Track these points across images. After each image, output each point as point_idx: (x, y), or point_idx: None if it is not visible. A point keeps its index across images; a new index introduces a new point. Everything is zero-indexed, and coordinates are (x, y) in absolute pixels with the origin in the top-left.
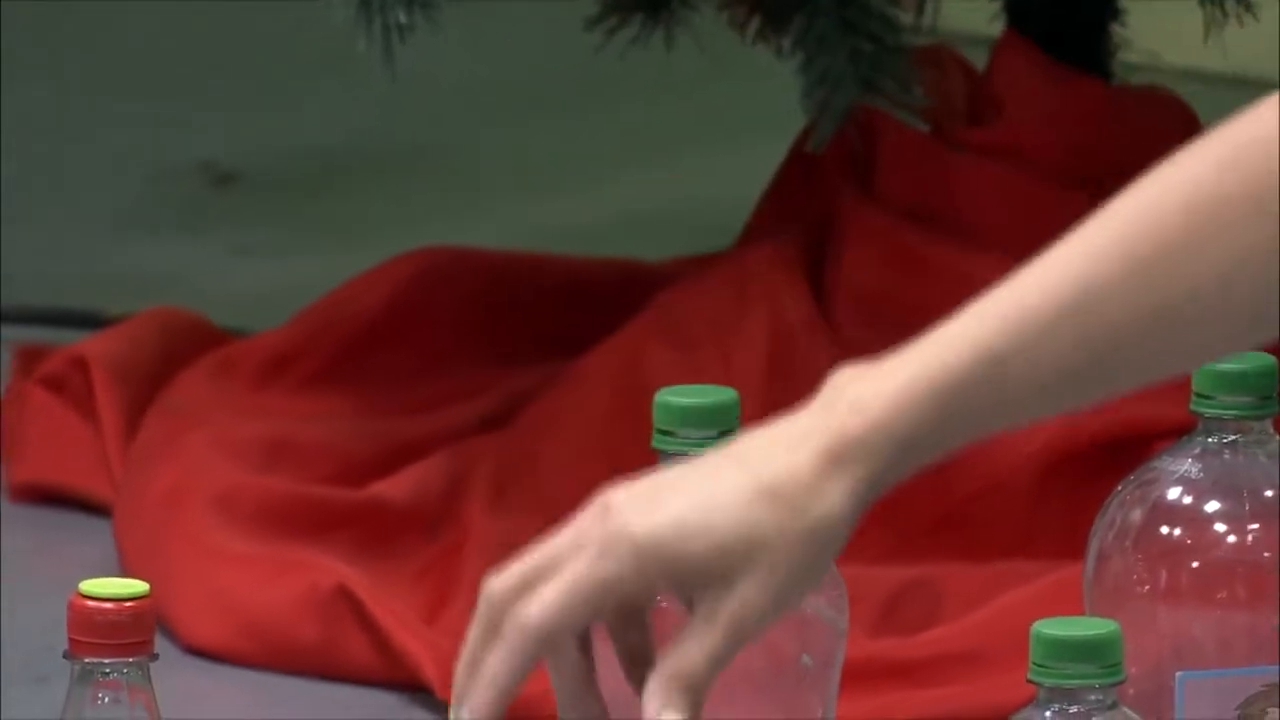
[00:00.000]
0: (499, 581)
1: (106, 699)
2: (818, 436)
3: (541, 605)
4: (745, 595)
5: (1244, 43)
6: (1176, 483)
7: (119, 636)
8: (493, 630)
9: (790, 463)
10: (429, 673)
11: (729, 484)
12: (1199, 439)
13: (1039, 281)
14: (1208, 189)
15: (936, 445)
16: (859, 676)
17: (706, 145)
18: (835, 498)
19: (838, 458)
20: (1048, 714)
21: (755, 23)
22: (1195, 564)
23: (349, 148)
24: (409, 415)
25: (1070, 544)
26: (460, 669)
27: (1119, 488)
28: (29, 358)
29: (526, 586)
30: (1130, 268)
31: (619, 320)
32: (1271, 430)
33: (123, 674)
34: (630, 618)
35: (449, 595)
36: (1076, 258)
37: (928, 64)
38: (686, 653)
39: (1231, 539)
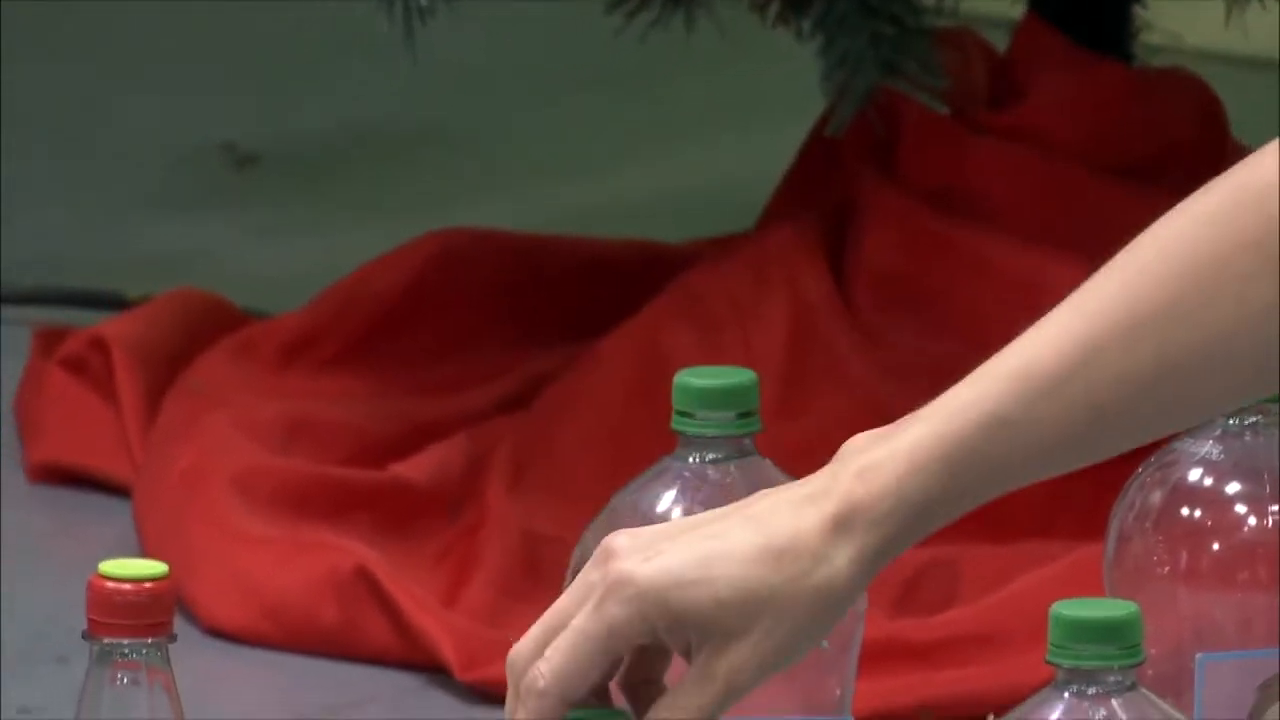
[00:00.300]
0: (518, 647)
1: (125, 679)
2: (826, 501)
3: (550, 667)
4: (742, 653)
5: (1266, 25)
6: (1197, 464)
7: (138, 617)
8: (518, 696)
9: (797, 525)
10: (447, 654)
11: (734, 540)
12: (1220, 420)
13: (1043, 343)
14: (1209, 244)
15: (945, 511)
16: (877, 657)
17: (726, 128)
18: (840, 564)
19: (845, 524)
20: (1066, 695)
21: (775, 5)
22: (1215, 546)
23: (370, 129)
24: (428, 397)
25: (1089, 525)
26: None
27: (1139, 469)
28: (49, 339)
29: (541, 647)
30: (1132, 326)
31: (639, 302)
32: None
33: (141, 655)
34: (644, 676)
35: (468, 577)
36: (1079, 318)
37: (949, 47)
38: (679, 704)
39: (1252, 521)
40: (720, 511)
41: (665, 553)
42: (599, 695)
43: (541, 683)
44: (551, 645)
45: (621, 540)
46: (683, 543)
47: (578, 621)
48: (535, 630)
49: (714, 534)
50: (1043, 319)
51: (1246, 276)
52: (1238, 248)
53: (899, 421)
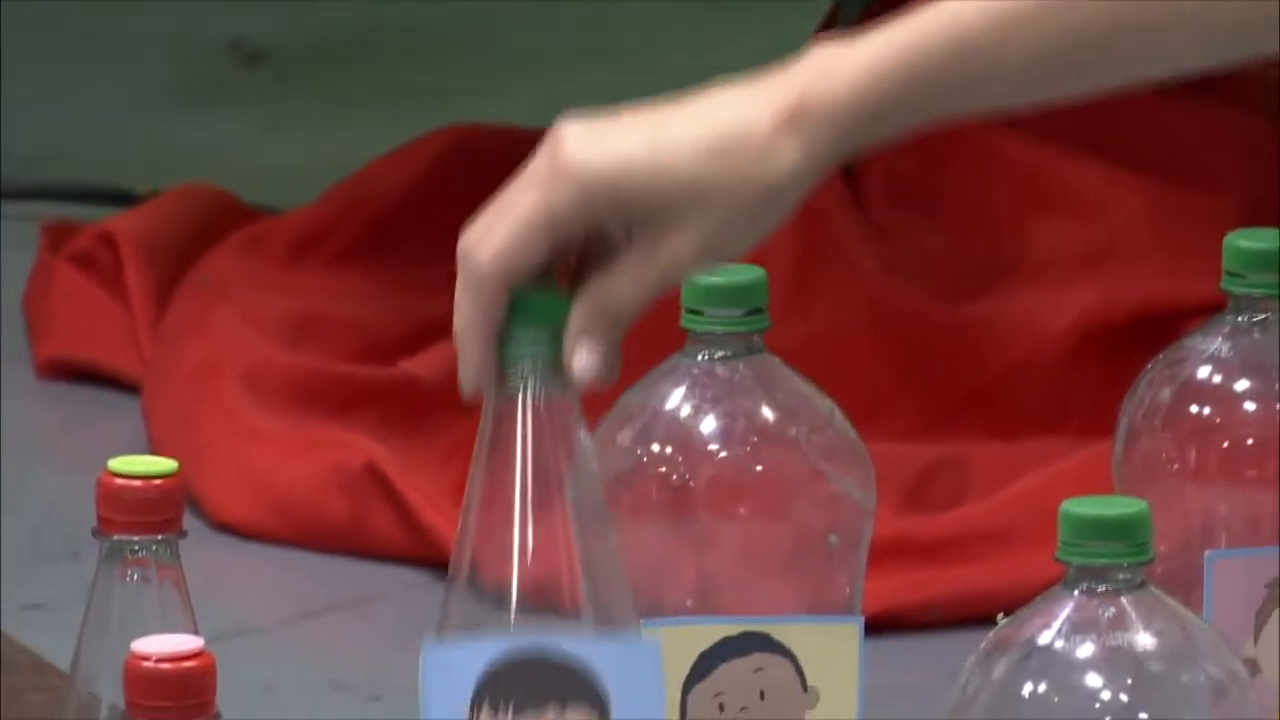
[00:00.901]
0: (467, 234)
1: (135, 576)
2: (781, 97)
3: (492, 246)
4: (682, 242)
5: None
6: (1206, 361)
7: (148, 514)
8: (465, 279)
9: (748, 119)
10: None
11: (682, 131)
12: (1228, 317)
13: None
14: None
15: (897, 121)
16: (886, 555)
17: (735, 21)
18: (788, 160)
19: (796, 121)
20: (1075, 593)
21: None
22: (1224, 443)
23: (379, 24)
24: (437, 293)
25: (1099, 422)
26: (454, 330)
27: (1148, 366)
28: (58, 234)
29: (487, 232)
30: None
31: None
32: None
33: (151, 551)
34: (588, 268)
35: None
36: None
37: None
38: (616, 285)
39: (1261, 417)
40: (670, 106)
41: (613, 141)
42: (543, 282)
43: (485, 263)
44: (495, 229)
45: (570, 128)
46: (631, 131)
47: (522, 206)
48: (484, 217)
49: (663, 124)
50: None
51: None
52: None
53: (865, 33)
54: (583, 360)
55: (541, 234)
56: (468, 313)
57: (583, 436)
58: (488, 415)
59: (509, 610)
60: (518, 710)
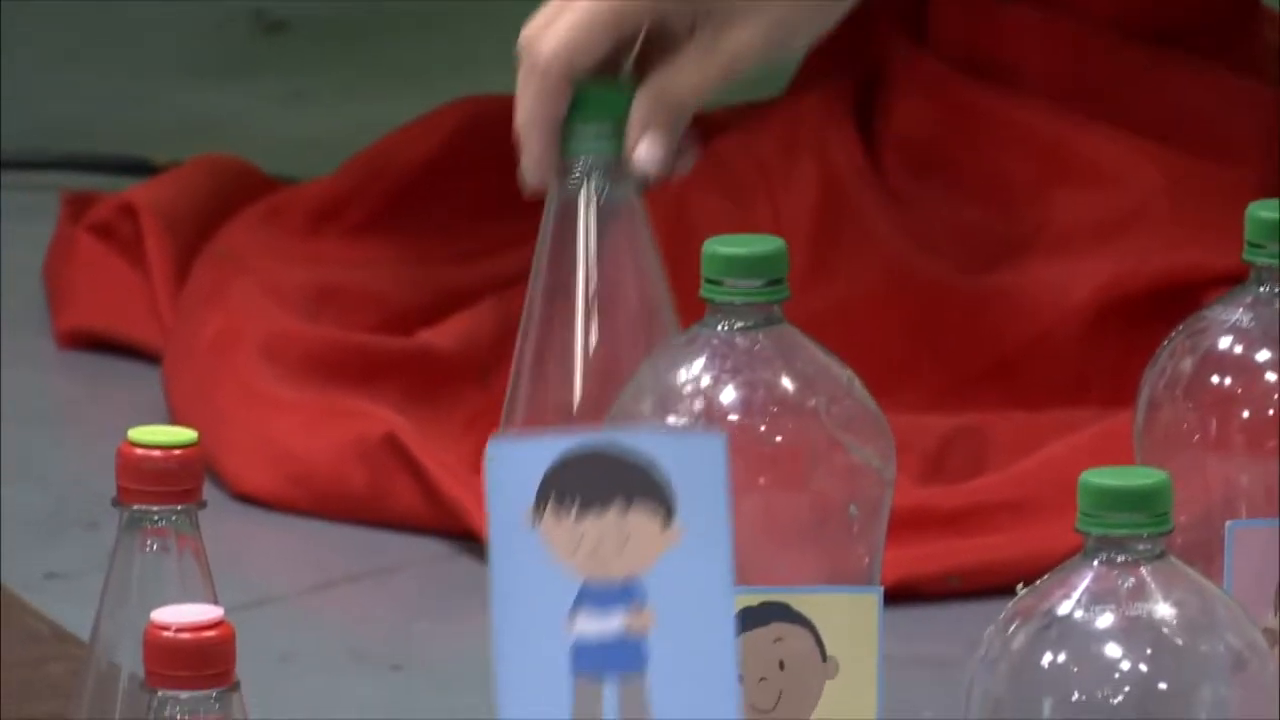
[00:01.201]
0: (529, 26)
1: (155, 546)
2: None
3: (555, 37)
4: (745, 34)
5: None
6: (1227, 332)
7: (167, 484)
8: (528, 73)
9: None
10: (476, 520)
11: None
12: (1250, 288)
13: None
14: None
15: None
16: (906, 525)
17: None
18: None
19: None
20: (1095, 563)
21: None
22: (1245, 413)
23: None
24: (458, 263)
25: (1120, 392)
26: (516, 123)
27: (1170, 337)
28: (78, 204)
29: (549, 24)
30: None
31: None
32: None
33: (171, 521)
34: (652, 55)
35: None
36: None
37: None
38: (680, 75)
39: None
40: None
41: None
42: (606, 76)
43: (548, 56)
44: (558, 22)
45: None
46: None
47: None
48: (546, 9)
49: None
50: None
51: None
52: None
53: None
54: (644, 151)
55: (605, 27)
56: (530, 106)
57: (646, 234)
58: (550, 212)
59: (572, 407)
60: (583, 507)
